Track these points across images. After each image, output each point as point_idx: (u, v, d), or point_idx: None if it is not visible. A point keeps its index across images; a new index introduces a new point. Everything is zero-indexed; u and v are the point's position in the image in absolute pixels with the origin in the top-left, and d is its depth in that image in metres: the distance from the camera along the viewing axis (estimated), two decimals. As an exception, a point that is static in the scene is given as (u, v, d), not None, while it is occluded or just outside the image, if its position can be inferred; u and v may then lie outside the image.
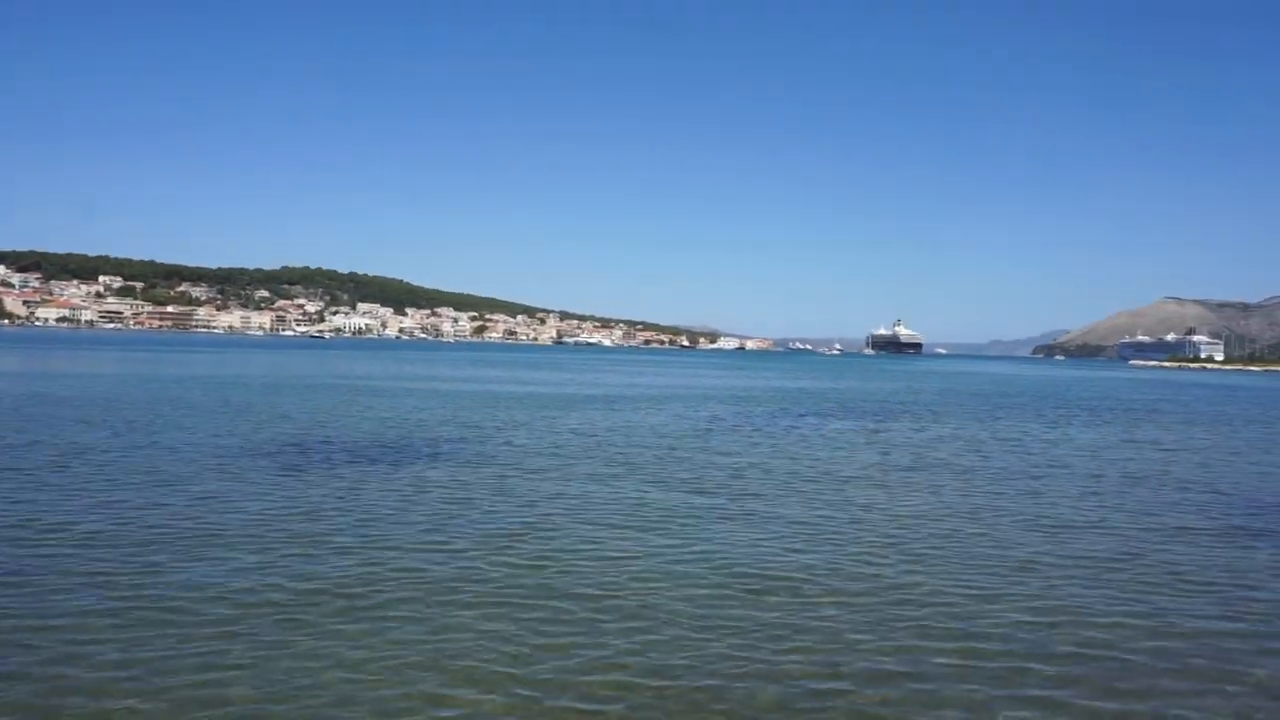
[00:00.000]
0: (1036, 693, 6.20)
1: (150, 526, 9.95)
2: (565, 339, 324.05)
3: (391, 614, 7.34)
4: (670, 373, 71.28)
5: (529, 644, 6.79)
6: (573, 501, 12.45)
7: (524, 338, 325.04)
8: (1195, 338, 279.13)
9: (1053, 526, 11.83)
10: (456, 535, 10.15)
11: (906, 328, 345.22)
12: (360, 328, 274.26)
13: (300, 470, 14.24)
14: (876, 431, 24.67)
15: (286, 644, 6.57)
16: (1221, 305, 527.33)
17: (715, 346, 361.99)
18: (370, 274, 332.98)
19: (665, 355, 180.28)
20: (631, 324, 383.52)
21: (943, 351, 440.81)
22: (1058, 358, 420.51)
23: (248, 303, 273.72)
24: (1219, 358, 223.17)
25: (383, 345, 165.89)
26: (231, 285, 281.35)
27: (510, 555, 9.32)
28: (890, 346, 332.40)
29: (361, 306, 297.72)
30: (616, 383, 49.71)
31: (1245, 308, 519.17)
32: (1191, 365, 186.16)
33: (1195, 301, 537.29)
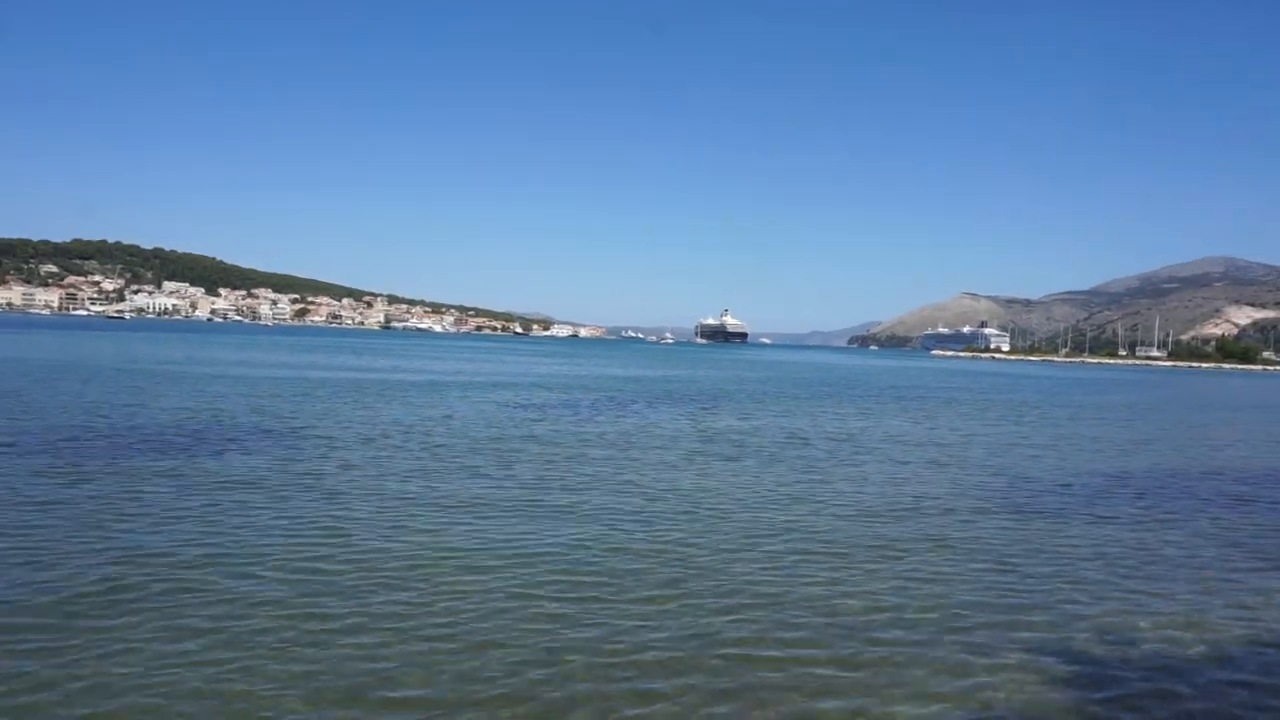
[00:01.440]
0: (829, 672, 6.21)
1: None
2: (394, 324, 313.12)
3: (141, 631, 6.45)
4: (502, 360, 70.17)
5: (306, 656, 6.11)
6: (386, 498, 11.66)
7: (349, 322, 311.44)
8: (986, 330, 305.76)
9: (859, 512, 12.17)
10: (249, 538, 9.19)
11: (733, 317, 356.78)
12: (166, 308, 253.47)
13: (70, 468, 12.58)
14: (702, 419, 25.02)
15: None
16: (1009, 301, 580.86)
17: (549, 334, 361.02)
18: (179, 250, 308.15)
19: (498, 342, 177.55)
20: (464, 310, 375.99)
21: (767, 341, 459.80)
22: (871, 348, 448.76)
23: (31, 277, 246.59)
24: (1005, 348, 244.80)
25: (191, 328, 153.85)
26: (11, 258, 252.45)
27: (308, 558, 8.51)
28: (718, 336, 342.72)
29: (168, 285, 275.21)
30: (446, 370, 48.29)
31: (1028, 304, 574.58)
32: (983, 355, 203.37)
33: (988, 297, 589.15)
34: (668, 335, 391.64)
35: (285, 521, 9.99)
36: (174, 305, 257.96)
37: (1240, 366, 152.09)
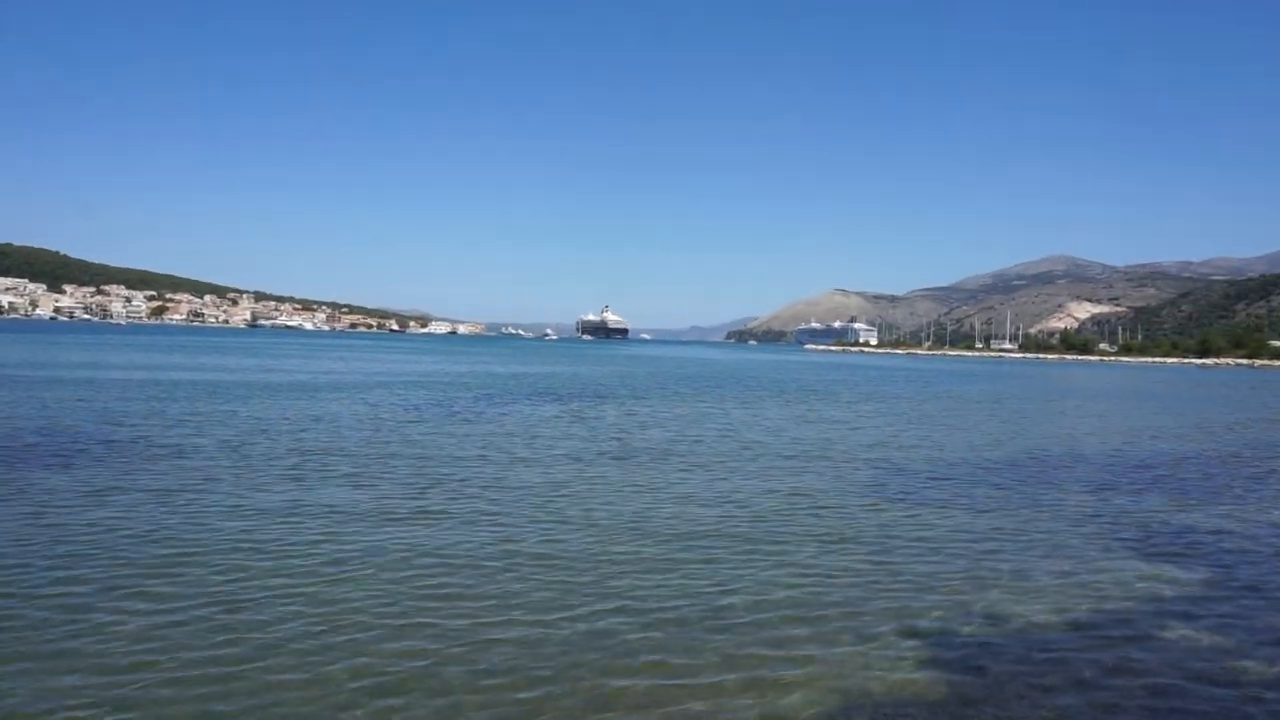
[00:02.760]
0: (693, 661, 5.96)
1: None
2: (261, 322, 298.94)
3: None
4: (377, 358, 67.92)
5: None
6: (247, 510, 10.74)
7: (212, 320, 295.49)
8: (856, 325, 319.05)
9: (742, 508, 12.09)
10: (83, 559, 8.17)
11: (614, 314, 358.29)
12: (1, 306, 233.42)
13: None
14: (586, 416, 24.70)
15: None
16: (876, 297, 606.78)
17: (427, 331, 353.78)
18: (15, 244, 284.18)
19: (373, 340, 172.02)
20: (337, 307, 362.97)
21: (647, 337, 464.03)
22: (750, 343, 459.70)
23: None
24: (874, 342, 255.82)
25: (31, 327, 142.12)
26: None
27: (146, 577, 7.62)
28: (599, 332, 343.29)
29: (3, 281, 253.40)
30: (317, 369, 46.23)
31: (893, 300, 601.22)
32: (853, 349, 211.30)
33: (857, 293, 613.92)
34: (549, 332, 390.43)
35: (129, 543, 9.00)
36: (10, 303, 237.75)
37: (1080, 357, 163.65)
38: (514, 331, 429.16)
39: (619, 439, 19.48)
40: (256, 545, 9.11)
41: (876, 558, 9.53)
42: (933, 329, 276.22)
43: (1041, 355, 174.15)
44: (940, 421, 27.09)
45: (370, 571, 8.35)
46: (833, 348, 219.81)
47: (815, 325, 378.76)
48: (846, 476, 15.26)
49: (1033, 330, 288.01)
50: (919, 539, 10.51)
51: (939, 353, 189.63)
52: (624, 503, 12.22)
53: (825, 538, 10.42)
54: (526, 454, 16.63)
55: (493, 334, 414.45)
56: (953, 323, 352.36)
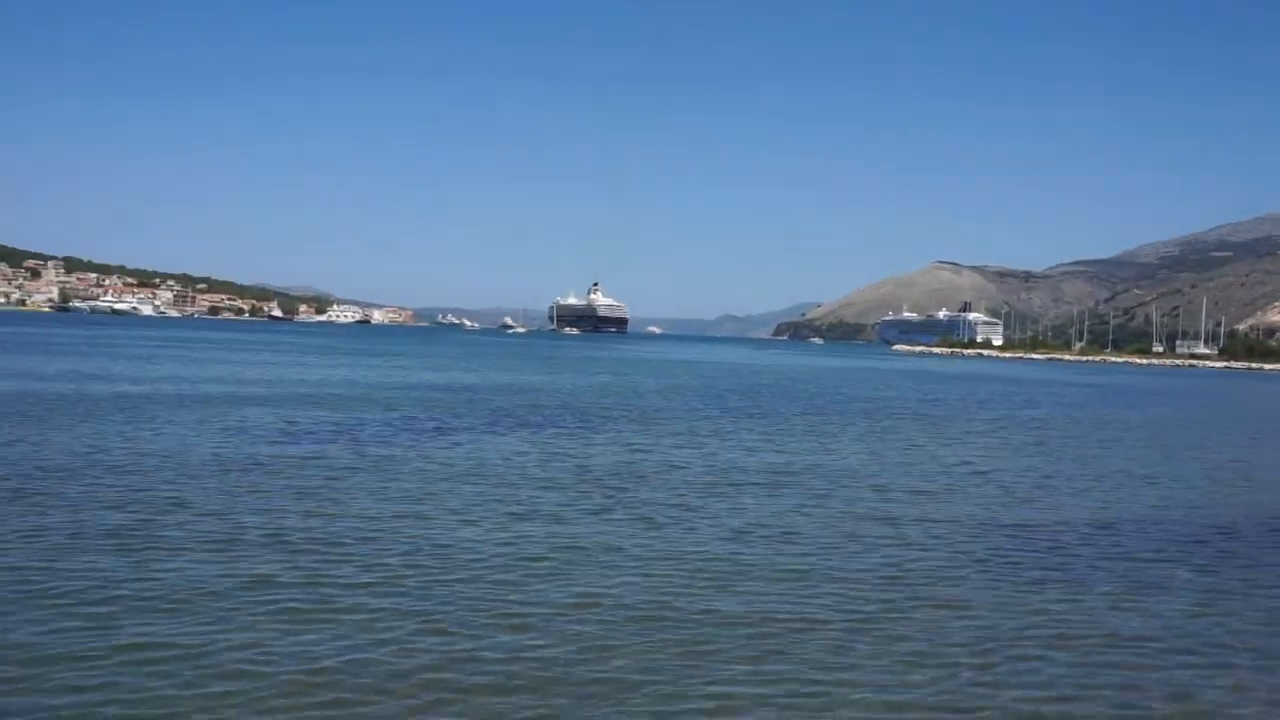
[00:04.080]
0: None
1: None
2: (77, 304, 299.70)
3: None
4: (247, 359, 67.96)
5: None
6: (35, 588, 10.45)
7: (1, 300, 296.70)
8: (971, 316, 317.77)
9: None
10: None
11: (607, 296, 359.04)
12: None
13: None
14: (561, 453, 24.52)
15: None
16: (1002, 274, 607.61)
17: (325, 318, 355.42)
18: None
19: (243, 331, 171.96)
20: (190, 283, 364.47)
21: (656, 330, 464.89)
22: (813, 340, 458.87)
23: None
24: (997, 341, 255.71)
25: None
26: None
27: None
28: (584, 322, 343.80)
29: None
30: (151, 376, 45.99)
31: (1028, 278, 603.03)
32: (966, 351, 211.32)
33: (973, 269, 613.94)
34: (509, 321, 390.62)
35: None
36: None
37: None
38: (457, 322, 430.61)
39: (620, 493, 19.22)
40: None
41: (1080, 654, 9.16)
42: (1086, 322, 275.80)
43: (1258, 365, 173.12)
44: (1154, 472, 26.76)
45: None
46: (935, 349, 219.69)
47: (909, 315, 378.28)
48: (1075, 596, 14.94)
49: (1241, 326, 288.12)
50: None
51: (1096, 359, 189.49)
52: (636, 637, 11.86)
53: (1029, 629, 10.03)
54: (464, 527, 16.32)
55: (424, 324, 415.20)
56: (1117, 313, 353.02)
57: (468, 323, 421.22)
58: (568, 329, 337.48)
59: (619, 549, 14.05)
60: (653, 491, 19.04)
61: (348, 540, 13.79)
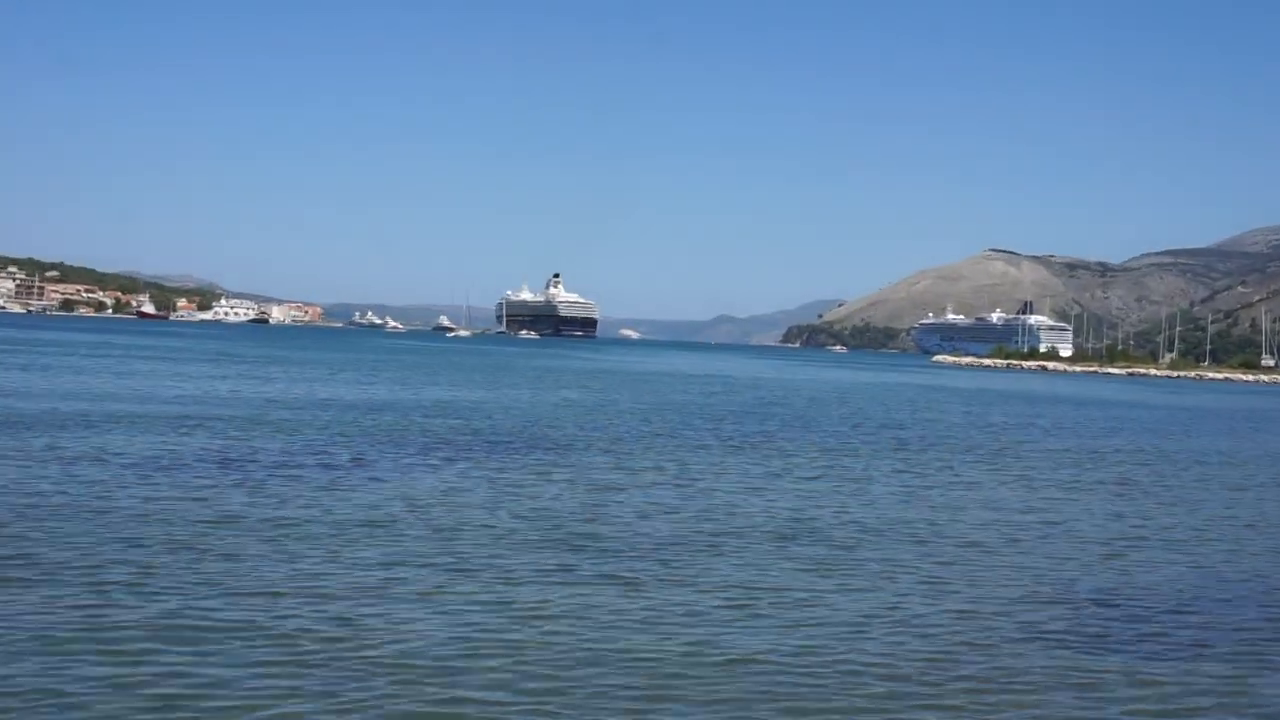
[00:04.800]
0: None
1: None
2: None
3: None
4: (113, 366, 67.63)
5: None
6: None
7: None
8: (1032, 319, 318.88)
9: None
10: None
11: (570, 291, 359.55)
12: None
13: None
14: (516, 490, 24.22)
15: None
16: (1072, 266, 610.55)
17: (210, 316, 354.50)
18: None
19: (102, 330, 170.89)
20: (38, 269, 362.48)
21: (633, 335, 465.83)
22: (834, 348, 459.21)
23: None
24: (1065, 351, 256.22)
25: None
26: None
27: None
28: (542, 322, 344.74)
29: None
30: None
31: (1103, 272, 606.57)
32: (1026, 364, 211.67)
33: (1033, 259, 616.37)
34: (446, 320, 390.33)
35: None
36: None
37: None
38: (379, 322, 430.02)
39: (588, 548, 18.98)
40: None
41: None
42: (1178, 327, 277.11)
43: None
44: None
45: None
46: (986, 361, 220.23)
47: (953, 317, 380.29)
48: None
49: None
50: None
51: (1190, 374, 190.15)
52: None
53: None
54: (382, 599, 16.13)
55: (338, 324, 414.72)
56: (1217, 316, 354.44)
57: (392, 323, 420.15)
58: (523, 332, 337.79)
59: (585, 622, 13.85)
60: (630, 546, 18.80)
61: (228, 623, 13.36)
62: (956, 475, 31.47)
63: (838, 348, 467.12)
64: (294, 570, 15.69)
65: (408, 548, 17.60)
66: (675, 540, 19.33)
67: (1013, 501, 26.69)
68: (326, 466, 26.89)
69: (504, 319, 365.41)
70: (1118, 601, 16.38)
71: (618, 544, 18.78)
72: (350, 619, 13.34)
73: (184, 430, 33.29)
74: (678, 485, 26.56)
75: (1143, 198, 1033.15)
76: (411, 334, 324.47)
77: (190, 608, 13.48)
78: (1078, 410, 72.30)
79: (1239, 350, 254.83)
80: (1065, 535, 22.05)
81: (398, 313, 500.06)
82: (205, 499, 21.21)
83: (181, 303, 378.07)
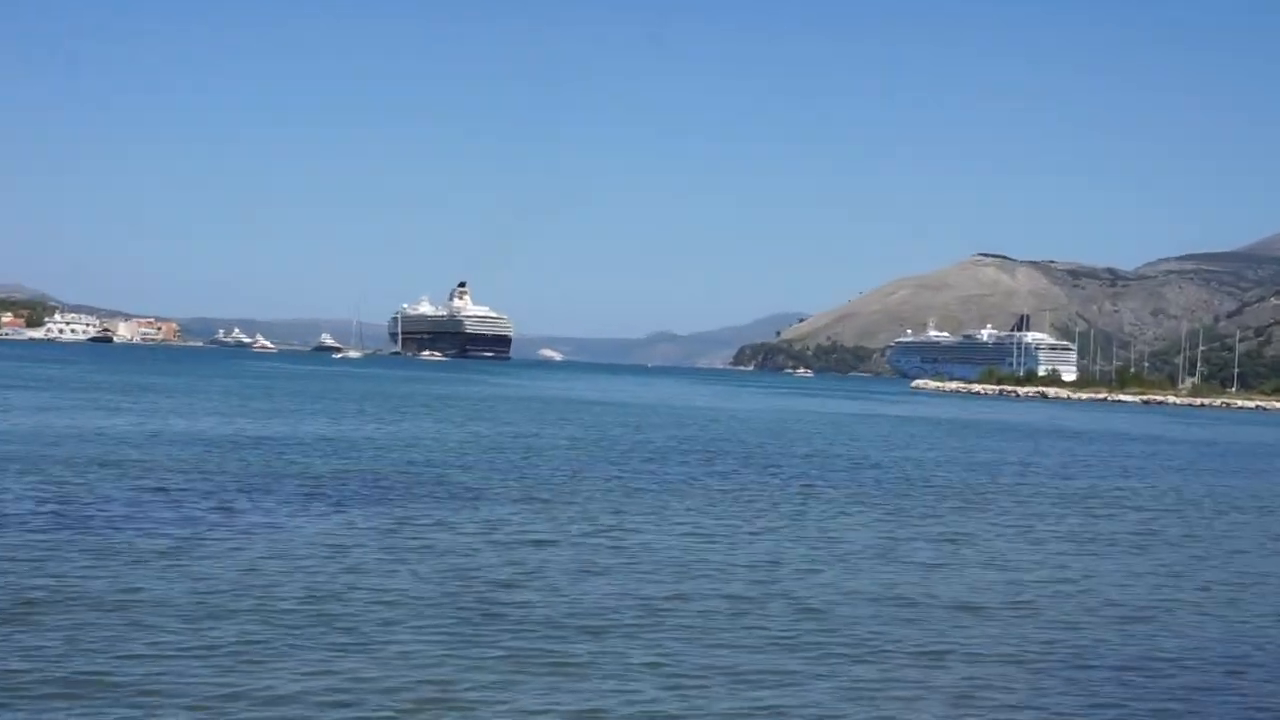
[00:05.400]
0: None
1: None
2: None
3: None
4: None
5: None
6: None
7: None
8: (1030, 336, 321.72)
9: None
10: None
11: (477, 304, 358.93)
12: None
13: None
14: (410, 556, 23.98)
15: None
16: (1076, 274, 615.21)
17: (42, 333, 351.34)
18: None
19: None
20: None
21: (556, 356, 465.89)
22: (798, 372, 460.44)
23: None
24: (1069, 374, 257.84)
25: None
26: None
27: None
28: (445, 341, 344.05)
29: None
30: None
31: (1113, 282, 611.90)
32: (1023, 390, 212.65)
33: (1030, 264, 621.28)
34: (329, 339, 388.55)
35: None
36: None
37: None
38: (247, 340, 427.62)
39: (509, 616, 18.79)
40: None
41: None
42: (1201, 346, 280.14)
43: None
44: None
45: None
46: (976, 387, 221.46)
47: (936, 335, 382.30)
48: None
49: None
50: None
51: (1216, 402, 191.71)
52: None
53: None
54: (261, 671, 15.88)
55: (198, 343, 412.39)
56: (1246, 332, 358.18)
57: (263, 341, 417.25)
58: (426, 353, 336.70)
59: (501, 710, 13.74)
60: (555, 616, 18.60)
61: None
62: (945, 525, 31.46)
63: (801, 371, 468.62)
64: (147, 651, 15.39)
65: (284, 621, 17.35)
66: (610, 607, 19.13)
67: (1014, 557, 26.66)
68: (186, 519, 26.52)
69: (399, 337, 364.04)
70: (1141, 677, 16.37)
71: (540, 612, 18.58)
72: (212, 707, 13.20)
73: (5, 475, 32.96)
74: (612, 539, 26.32)
75: (1159, 194, 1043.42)
76: (286, 355, 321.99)
77: (14, 707, 13.26)
78: (1085, 446, 72.71)
79: (1273, 374, 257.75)
80: (1078, 597, 22.05)
81: (271, 329, 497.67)
82: (36, 561, 20.82)
83: (6, 318, 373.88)
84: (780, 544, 26.84)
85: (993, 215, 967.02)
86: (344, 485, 34.14)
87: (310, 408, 75.30)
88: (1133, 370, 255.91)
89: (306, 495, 31.47)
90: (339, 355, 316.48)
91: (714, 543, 26.47)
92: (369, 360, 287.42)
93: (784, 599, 20.49)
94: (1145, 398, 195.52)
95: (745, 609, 19.61)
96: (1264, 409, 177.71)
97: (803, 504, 34.69)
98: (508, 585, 20.64)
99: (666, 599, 20.00)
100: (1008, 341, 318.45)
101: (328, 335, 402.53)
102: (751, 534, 28.21)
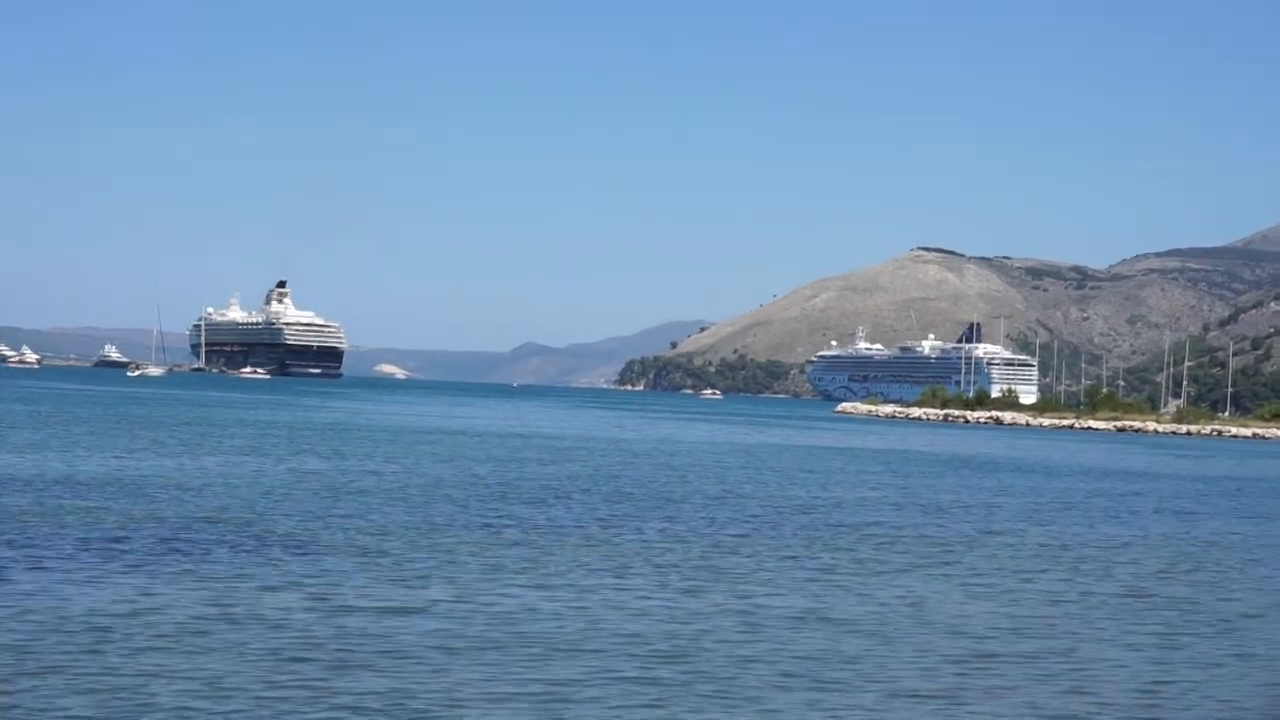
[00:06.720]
0: None
1: None
2: None
3: None
4: None
5: None
6: None
7: None
8: (981, 349, 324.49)
9: None
10: None
11: (300, 309, 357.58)
12: None
13: None
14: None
15: None
16: (1037, 274, 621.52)
17: None
18: None
19: None
20: None
21: (399, 373, 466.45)
22: (702, 393, 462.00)
23: None
24: (1029, 396, 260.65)
25: None
26: None
27: None
28: (261, 354, 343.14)
29: None
30: None
31: (1080, 282, 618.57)
32: (974, 415, 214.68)
33: (980, 261, 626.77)
34: (113, 351, 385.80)
35: None
36: None
37: None
38: (9, 352, 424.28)
39: (348, 690, 18.44)
40: None
41: None
42: (1188, 361, 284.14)
43: None
44: None
45: None
46: (915, 411, 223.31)
47: (867, 347, 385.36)
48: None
49: None
50: None
51: (1205, 429, 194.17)
52: None
53: None
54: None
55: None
56: (1240, 344, 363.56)
57: (31, 355, 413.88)
58: (248, 370, 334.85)
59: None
60: (412, 703, 18.33)
61: None
62: (891, 582, 31.45)
63: (708, 392, 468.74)
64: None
65: (62, 709, 16.91)
66: (480, 693, 18.89)
67: (982, 621, 26.64)
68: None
69: (202, 349, 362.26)
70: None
71: (393, 696, 18.33)
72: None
73: None
74: (478, 602, 26.12)
75: (1136, 178, 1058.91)
76: (58, 373, 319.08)
77: None
78: (1053, 483, 73.49)
79: (1273, 394, 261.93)
80: (1065, 670, 22.11)
81: (36, 338, 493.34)
82: None
83: None
84: (692, 606, 26.72)
85: (935, 202, 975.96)
86: (133, 535, 33.76)
87: (87, 437, 74.57)
88: (1105, 390, 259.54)
89: (87, 547, 31.12)
90: (136, 373, 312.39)
91: (610, 607, 26.25)
92: (172, 378, 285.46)
93: (703, 677, 20.23)
94: (1120, 424, 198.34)
95: (640, 688, 19.40)
96: (1262, 436, 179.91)
97: (716, 557, 34.63)
98: (336, 666, 20.07)
99: (551, 684, 19.61)
100: (954, 355, 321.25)
101: (112, 347, 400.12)
102: (653, 593, 28.07)
